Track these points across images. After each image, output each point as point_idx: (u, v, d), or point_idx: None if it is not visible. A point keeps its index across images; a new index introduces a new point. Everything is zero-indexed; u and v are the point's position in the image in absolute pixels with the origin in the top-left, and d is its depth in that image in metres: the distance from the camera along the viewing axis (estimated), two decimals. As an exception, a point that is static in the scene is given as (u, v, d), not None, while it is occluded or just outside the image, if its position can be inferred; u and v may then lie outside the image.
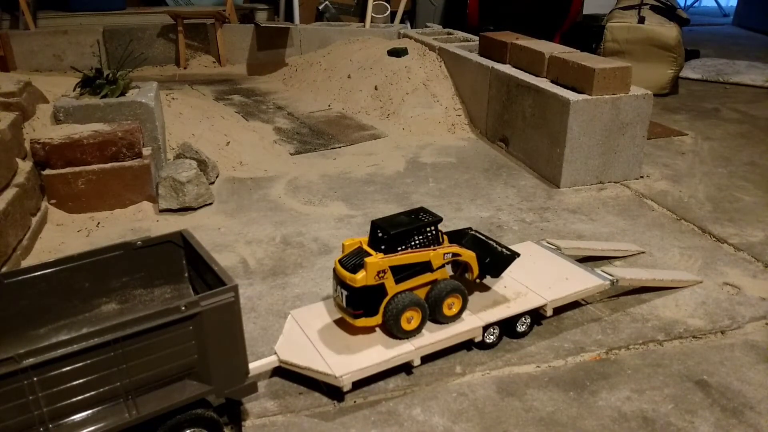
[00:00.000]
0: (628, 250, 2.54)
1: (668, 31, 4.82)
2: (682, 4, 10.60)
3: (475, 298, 2.02)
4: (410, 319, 1.81)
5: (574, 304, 2.17)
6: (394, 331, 1.81)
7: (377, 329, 1.88)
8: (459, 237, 2.15)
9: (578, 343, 2.00)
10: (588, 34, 5.68)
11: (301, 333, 1.88)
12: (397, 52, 4.68)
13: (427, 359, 1.87)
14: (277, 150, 3.73)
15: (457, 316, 1.91)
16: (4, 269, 2.23)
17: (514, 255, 2.04)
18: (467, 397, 1.76)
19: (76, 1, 6.04)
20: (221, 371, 1.50)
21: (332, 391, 1.77)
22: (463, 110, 4.23)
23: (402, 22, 6.21)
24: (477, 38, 4.54)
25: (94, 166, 2.80)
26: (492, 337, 1.95)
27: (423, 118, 4.15)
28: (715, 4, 10.60)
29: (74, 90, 3.13)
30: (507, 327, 1.98)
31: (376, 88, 4.51)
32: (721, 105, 4.86)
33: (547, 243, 2.42)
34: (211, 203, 2.98)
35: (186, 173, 2.86)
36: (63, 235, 2.66)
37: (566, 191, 3.18)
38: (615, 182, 3.30)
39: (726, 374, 1.86)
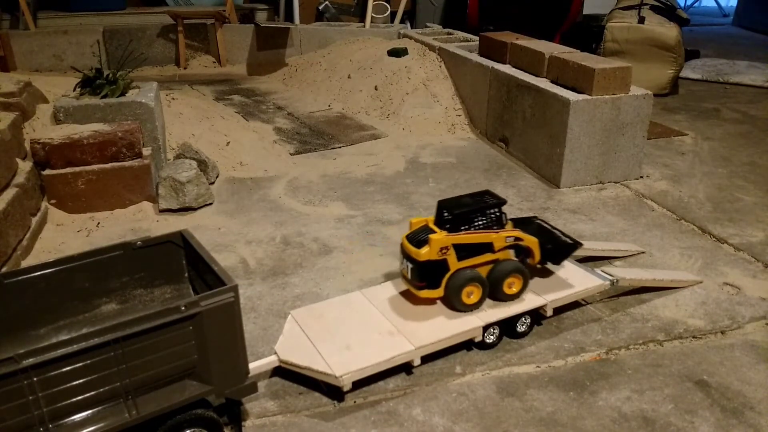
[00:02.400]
0: (628, 250, 2.54)
1: (668, 31, 4.82)
2: (682, 4, 10.60)
3: (475, 298, 2.03)
4: (470, 293, 1.93)
5: (574, 304, 2.17)
6: (454, 303, 1.93)
7: (438, 302, 2.00)
8: (524, 224, 2.21)
9: (578, 343, 2.00)
10: (588, 34, 5.68)
11: (301, 333, 1.88)
12: (397, 52, 4.68)
13: (427, 359, 1.87)
14: (277, 150, 3.73)
15: (517, 296, 2.01)
16: (4, 269, 2.23)
17: (577, 244, 2.13)
18: (467, 397, 1.76)
19: (76, 1, 6.04)
20: (221, 371, 1.50)
21: (332, 391, 1.77)
22: (463, 110, 4.23)
23: (402, 22, 6.21)
24: (477, 38, 4.54)
25: (94, 166, 2.80)
26: (492, 337, 1.95)
27: (423, 118, 4.15)
28: (715, 4, 10.60)
29: (74, 90, 3.13)
30: (507, 327, 1.98)
31: (376, 88, 4.51)
32: (721, 105, 4.86)
33: (547, 243, 2.42)
34: (211, 203, 2.98)
35: (186, 173, 2.86)
36: (63, 235, 2.66)
37: (566, 191, 3.18)
38: (615, 182, 3.30)
39: (726, 374, 1.86)
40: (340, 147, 3.82)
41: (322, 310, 2.00)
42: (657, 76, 4.93)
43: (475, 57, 4.11)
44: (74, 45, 5.52)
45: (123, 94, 3.06)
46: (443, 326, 1.89)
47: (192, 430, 1.50)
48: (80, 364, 1.31)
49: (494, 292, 1.98)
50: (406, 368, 1.86)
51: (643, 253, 2.55)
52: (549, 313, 2.04)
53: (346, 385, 1.71)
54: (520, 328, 2.00)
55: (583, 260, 2.40)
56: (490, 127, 3.92)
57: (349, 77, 4.80)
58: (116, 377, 1.36)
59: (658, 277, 2.28)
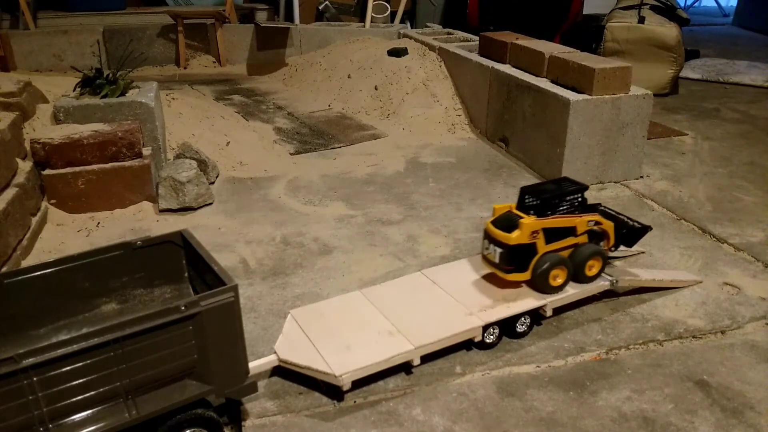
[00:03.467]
0: (628, 250, 2.54)
1: (668, 31, 4.82)
2: (682, 4, 10.60)
3: (475, 297, 2.03)
4: (556, 276, 2.01)
5: (574, 304, 2.17)
6: (541, 286, 2.01)
7: (524, 285, 2.06)
8: (591, 211, 2.20)
9: (578, 343, 2.00)
10: (588, 34, 5.68)
11: (300, 332, 1.88)
12: (397, 52, 4.68)
13: (427, 359, 1.87)
14: (277, 150, 3.73)
15: (595, 277, 2.10)
16: (4, 269, 2.23)
17: (647, 228, 2.22)
18: (467, 397, 1.76)
19: (76, 1, 6.04)
20: (221, 371, 1.50)
21: (332, 391, 1.77)
22: (463, 110, 4.23)
23: (402, 22, 6.21)
24: (477, 38, 4.54)
25: (94, 166, 2.80)
26: (492, 337, 1.95)
27: (423, 118, 4.15)
28: (715, 4, 10.60)
29: (74, 90, 3.13)
30: (507, 327, 1.98)
31: (376, 88, 4.51)
32: (721, 105, 4.86)
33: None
34: (211, 203, 2.98)
35: (186, 173, 2.86)
36: (63, 235, 2.66)
37: (566, 191, 3.18)
38: (615, 182, 3.30)
39: (726, 374, 1.86)
40: (340, 147, 3.82)
41: (321, 310, 2.00)
42: (657, 76, 4.93)
43: (475, 57, 4.11)
44: (74, 45, 5.52)
45: (123, 94, 3.06)
46: (443, 326, 1.89)
47: (192, 430, 1.50)
48: (80, 364, 1.31)
49: (576, 274, 2.05)
50: (405, 368, 1.86)
51: (643, 253, 2.55)
52: (549, 313, 2.04)
53: (346, 385, 1.71)
54: (520, 328, 2.00)
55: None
56: (490, 127, 3.92)
57: (349, 77, 4.80)
58: (116, 377, 1.36)
59: (658, 277, 2.28)
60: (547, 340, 2.01)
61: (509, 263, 1.97)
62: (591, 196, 3.12)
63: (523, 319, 1.99)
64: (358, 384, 1.76)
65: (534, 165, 3.44)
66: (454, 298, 2.03)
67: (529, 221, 1.94)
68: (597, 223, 2.10)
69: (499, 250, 1.97)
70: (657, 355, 1.95)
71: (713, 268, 2.45)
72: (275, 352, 1.80)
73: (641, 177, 3.34)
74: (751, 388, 1.80)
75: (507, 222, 1.99)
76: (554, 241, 2.00)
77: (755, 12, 8.71)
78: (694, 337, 2.04)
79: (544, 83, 3.37)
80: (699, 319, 2.12)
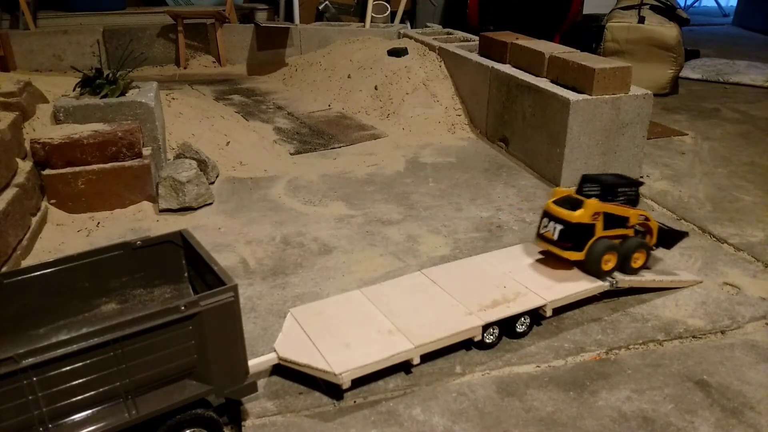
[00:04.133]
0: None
1: (668, 31, 4.82)
2: (682, 4, 10.60)
3: (475, 297, 2.03)
4: (608, 261, 2.11)
5: (574, 304, 2.17)
6: (592, 267, 2.11)
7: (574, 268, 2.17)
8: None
9: (578, 343, 2.00)
10: (588, 34, 5.68)
11: (300, 331, 1.88)
12: (397, 52, 4.68)
13: (426, 358, 1.87)
14: (277, 150, 3.73)
15: (639, 269, 2.20)
16: (4, 269, 2.23)
17: (684, 233, 2.34)
18: (467, 397, 1.76)
19: (76, 1, 6.04)
20: (221, 371, 1.50)
21: (331, 390, 1.77)
22: (463, 110, 4.23)
23: (402, 22, 6.21)
24: (477, 38, 4.54)
25: (94, 166, 2.80)
26: (491, 337, 1.95)
27: (423, 118, 4.15)
28: (715, 4, 10.60)
29: (74, 90, 3.13)
30: (507, 327, 1.98)
31: (376, 88, 4.51)
32: (721, 105, 4.86)
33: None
34: (211, 203, 2.98)
35: (186, 173, 2.86)
36: (63, 235, 2.66)
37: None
38: (615, 182, 3.29)
39: (726, 374, 1.86)
40: (340, 147, 3.82)
41: (321, 308, 2.00)
42: (657, 76, 4.92)
43: (475, 57, 4.11)
44: (74, 45, 5.52)
45: (123, 94, 3.06)
46: (443, 325, 1.89)
47: (192, 430, 1.50)
48: (80, 364, 1.31)
49: (621, 264, 2.15)
50: (405, 368, 1.86)
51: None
52: (548, 313, 2.04)
53: (346, 383, 1.71)
54: (520, 328, 2.00)
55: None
56: (490, 127, 3.92)
57: (349, 77, 4.80)
58: (116, 377, 1.36)
59: (658, 277, 2.28)
60: (547, 340, 2.01)
61: (568, 240, 2.08)
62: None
63: (523, 319, 1.99)
64: (358, 383, 1.76)
65: (534, 165, 3.44)
66: (454, 298, 2.03)
67: (593, 202, 2.08)
68: (646, 219, 2.22)
69: (559, 227, 2.09)
70: (657, 355, 1.95)
71: (713, 268, 2.45)
72: (275, 351, 1.80)
73: (641, 177, 3.34)
74: (751, 388, 1.80)
75: (570, 202, 2.12)
76: (609, 228, 2.12)
77: (755, 12, 8.71)
78: (694, 337, 2.04)
79: (544, 83, 3.37)
80: (699, 319, 2.12)
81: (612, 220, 2.13)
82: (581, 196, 2.15)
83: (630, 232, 2.19)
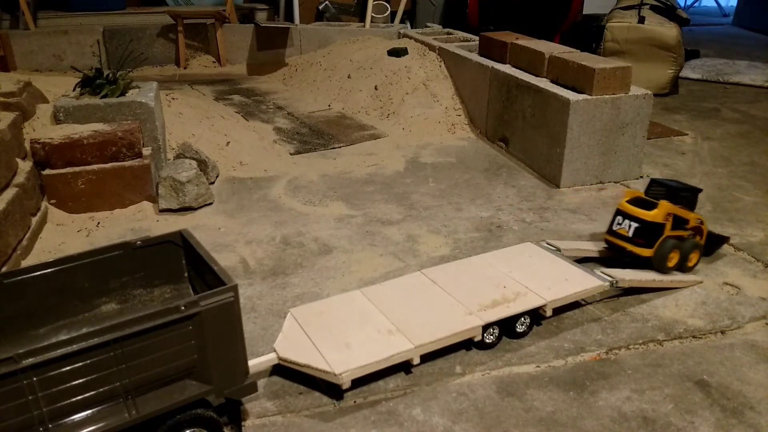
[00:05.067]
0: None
1: (668, 31, 4.82)
2: (682, 4, 10.60)
3: (475, 297, 2.03)
4: (672, 258, 2.30)
5: (574, 304, 2.17)
6: (658, 263, 2.28)
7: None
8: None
9: (578, 343, 2.00)
10: (588, 34, 5.68)
11: (300, 331, 1.88)
12: (397, 52, 4.68)
13: (426, 358, 1.87)
14: (277, 150, 3.73)
15: (692, 268, 2.39)
16: (4, 269, 2.23)
17: (726, 238, 2.53)
18: (467, 397, 1.76)
19: (76, 1, 6.04)
20: (221, 371, 1.50)
21: (332, 390, 1.77)
22: (463, 110, 4.23)
23: (402, 22, 6.21)
24: (477, 38, 4.54)
25: (94, 166, 2.80)
26: (491, 337, 1.95)
27: (423, 118, 4.15)
28: (715, 4, 10.60)
29: (74, 90, 3.13)
30: (507, 327, 1.98)
31: (376, 88, 4.51)
32: (721, 105, 4.86)
33: (547, 244, 2.42)
34: (211, 203, 2.98)
35: (186, 173, 2.86)
36: (63, 235, 2.66)
37: (566, 191, 3.18)
38: (615, 182, 3.30)
39: (726, 374, 1.86)
40: (340, 147, 3.82)
41: (321, 308, 2.00)
42: (657, 76, 4.93)
43: (475, 57, 4.11)
44: (74, 45, 5.52)
45: (123, 94, 3.06)
46: (443, 325, 1.89)
47: (192, 430, 1.50)
48: (80, 364, 1.31)
49: (681, 261, 2.34)
50: (405, 368, 1.86)
51: (643, 253, 2.55)
52: (548, 313, 2.04)
53: (346, 383, 1.71)
54: (520, 328, 2.00)
55: (583, 261, 2.40)
56: (490, 127, 3.92)
57: (349, 77, 4.80)
58: (116, 377, 1.36)
59: (658, 277, 2.28)
60: (547, 340, 2.01)
61: (642, 237, 2.26)
62: (591, 196, 3.13)
63: (523, 319, 1.99)
64: (358, 383, 1.76)
65: (534, 165, 3.44)
66: (454, 298, 2.03)
67: (666, 204, 2.25)
68: (701, 222, 2.40)
69: (635, 224, 2.27)
70: (657, 355, 1.95)
71: (713, 268, 2.45)
72: (275, 351, 1.80)
73: (641, 177, 3.34)
74: (751, 388, 1.80)
75: (642, 203, 2.30)
76: (674, 229, 2.30)
77: (755, 12, 8.71)
78: (694, 337, 2.04)
79: (544, 83, 3.37)
80: (699, 319, 2.12)
81: (677, 222, 2.30)
82: (649, 197, 2.34)
83: (687, 233, 2.35)
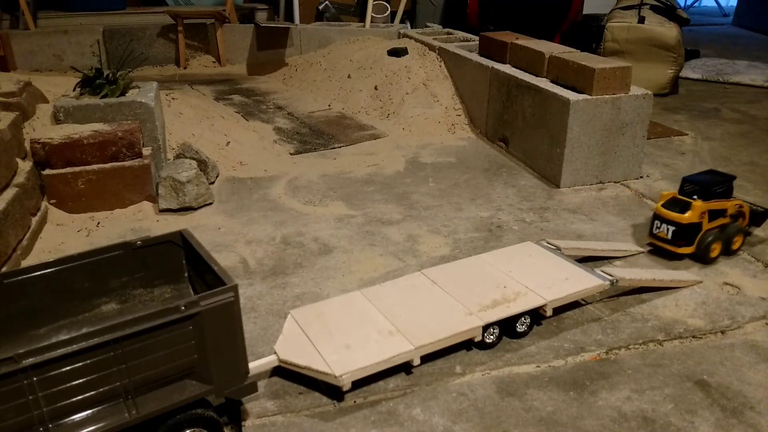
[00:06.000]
0: (628, 250, 2.54)
1: (668, 31, 4.82)
2: (682, 4, 10.60)
3: (475, 297, 2.03)
4: (714, 249, 2.45)
5: (574, 304, 2.17)
6: (703, 256, 2.44)
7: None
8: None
9: (578, 343, 2.00)
10: (588, 34, 5.68)
11: (300, 332, 1.88)
12: (397, 52, 4.68)
13: (426, 359, 1.87)
14: (277, 150, 3.73)
15: (737, 250, 2.54)
16: (4, 269, 2.23)
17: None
18: (467, 397, 1.76)
19: (76, 1, 6.04)
20: (221, 371, 1.50)
21: (332, 391, 1.77)
22: (463, 110, 4.23)
23: (402, 22, 6.21)
24: (477, 38, 4.54)
25: (94, 166, 2.80)
26: (492, 337, 1.95)
27: (423, 118, 4.15)
28: (715, 4, 10.60)
29: (74, 90, 3.13)
30: (507, 327, 1.98)
31: (376, 88, 4.51)
32: (721, 105, 4.86)
33: (547, 243, 2.42)
34: (211, 203, 2.98)
35: (186, 173, 2.86)
36: (63, 235, 2.66)
37: (566, 191, 3.18)
38: (615, 182, 3.30)
39: (726, 374, 1.86)
40: (340, 147, 3.82)
41: (321, 310, 2.00)
42: (657, 76, 4.93)
43: (475, 57, 4.11)
44: (74, 45, 5.52)
45: (123, 93, 3.06)
46: (443, 326, 1.89)
47: (192, 429, 1.50)
48: (80, 364, 1.31)
49: (725, 248, 2.48)
50: (405, 368, 1.86)
51: (643, 252, 2.55)
52: (549, 313, 2.04)
53: (346, 385, 1.71)
54: (520, 328, 2.00)
55: (583, 260, 2.40)
56: (490, 127, 3.92)
57: (349, 77, 4.80)
58: (116, 377, 1.36)
59: (658, 277, 2.28)
60: (547, 340, 2.01)
61: (681, 238, 2.41)
62: (591, 196, 3.13)
63: (523, 319, 1.99)
64: (358, 384, 1.76)
65: (534, 165, 3.44)
66: (454, 298, 2.03)
67: (699, 204, 2.38)
68: (740, 206, 2.52)
69: (672, 228, 2.42)
70: (657, 355, 1.95)
71: (713, 268, 2.45)
72: (275, 353, 1.80)
73: (641, 177, 3.34)
74: (751, 388, 1.80)
75: (678, 204, 2.43)
76: (712, 221, 2.44)
77: (755, 12, 8.71)
78: (694, 337, 2.04)
79: (544, 83, 3.37)
80: (699, 319, 2.12)
81: (714, 214, 2.44)
82: (684, 196, 2.45)
83: (727, 219, 2.49)
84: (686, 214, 2.38)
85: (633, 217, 2.88)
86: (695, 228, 2.41)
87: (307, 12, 6.33)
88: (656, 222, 2.49)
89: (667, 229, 2.43)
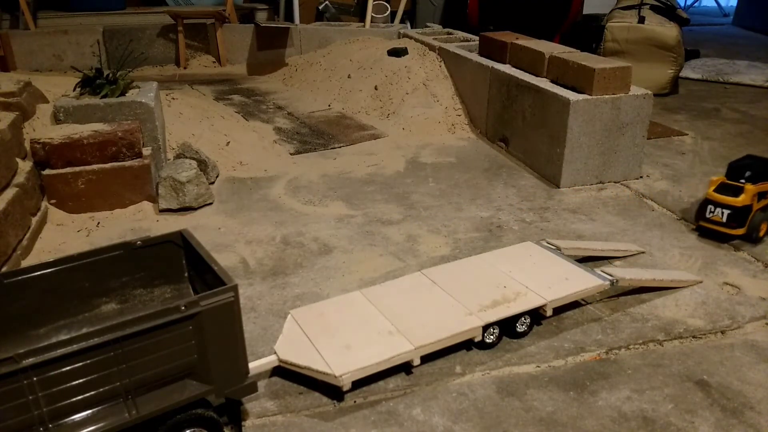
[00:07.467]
0: (628, 250, 2.54)
1: (668, 31, 4.82)
2: (682, 4, 10.60)
3: (475, 297, 2.03)
4: (762, 229, 2.61)
5: (574, 304, 2.17)
6: (753, 235, 2.59)
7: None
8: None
9: (578, 343, 2.00)
10: (588, 34, 5.68)
11: (300, 332, 1.88)
12: (397, 52, 4.68)
13: (426, 359, 1.87)
14: (277, 150, 3.73)
15: None
16: (4, 269, 2.23)
17: None
18: (467, 397, 1.76)
19: (76, 1, 6.04)
20: (221, 371, 1.50)
21: (332, 391, 1.77)
22: (463, 110, 4.23)
23: (402, 22, 6.21)
24: (477, 38, 4.54)
25: (94, 166, 2.80)
26: (492, 337, 1.95)
27: (423, 118, 4.15)
28: (715, 4, 10.60)
29: (74, 90, 3.13)
30: (507, 327, 1.98)
31: (376, 88, 4.51)
32: (721, 105, 4.86)
33: (547, 243, 2.42)
34: (211, 203, 2.98)
35: (186, 173, 2.86)
36: (63, 235, 2.66)
37: (566, 191, 3.18)
38: (615, 182, 3.30)
39: (726, 374, 1.86)
40: (340, 147, 3.82)
41: (321, 310, 2.00)
42: (657, 76, 4.93)
43: (475, 57, 4.11)
44: (74, 45, 5.52)
45: (123, 93, 3.06)
46: (443, 326, 1.89)
47: (192, 430, 1.50)
48: (80, 364, 1.31)
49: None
50: (405, 368, 1.86)
51: (643, 253, 2.55)
52: (549, 313, 2.04)
53: (346, 385, 1.71)
54: (520, 328, 2.00)
55: (583, 260, 2.40)
56: (490, 127, 3.92)
57: (349, 77, 4.80)
58: (116, 377, 1.36)
59: (658, 277, 2.28)
60: (547, 340, 2.01)
61: (735, 220, 2.55)
62: (591, 196, 3.13)
63: (523, 319, 1.99)
64: (358, 384, 1.76)
65: (534, 165, 3.44)
66: (454, 298, 2.03)
67: (751, 187, 2.54)
68: None
69: (727, 211, 2.56)
70: (657, 355, 1.95)
71: (713, 268, 2.45)
72: (275, 353, 1.80)
73: (641, 177, 3.34)
74: (751, 388, 1.80)
75: (729, 189, 2.58)
76: (759, 201, 2.59)
77: (755, 12, 8.71)
78: (694, 337, 2.04)
79: (544, 83, 3.37)
80: (699, 319, 2.13)
81: (760, 195, 2.59)
82: (733, 180, 2.60)
83: (767, 200, 2.63)
84: (740, 197, 2.53)
85: (633, 218, 2.88)
86: (747, 210, 2.55)
87: (307, 12, 6.34)
88: (709, 207, 2.61)
89: (722, 213, 2.56)
